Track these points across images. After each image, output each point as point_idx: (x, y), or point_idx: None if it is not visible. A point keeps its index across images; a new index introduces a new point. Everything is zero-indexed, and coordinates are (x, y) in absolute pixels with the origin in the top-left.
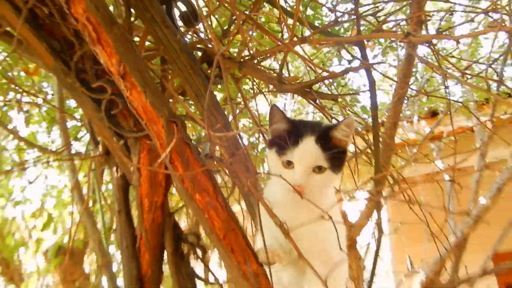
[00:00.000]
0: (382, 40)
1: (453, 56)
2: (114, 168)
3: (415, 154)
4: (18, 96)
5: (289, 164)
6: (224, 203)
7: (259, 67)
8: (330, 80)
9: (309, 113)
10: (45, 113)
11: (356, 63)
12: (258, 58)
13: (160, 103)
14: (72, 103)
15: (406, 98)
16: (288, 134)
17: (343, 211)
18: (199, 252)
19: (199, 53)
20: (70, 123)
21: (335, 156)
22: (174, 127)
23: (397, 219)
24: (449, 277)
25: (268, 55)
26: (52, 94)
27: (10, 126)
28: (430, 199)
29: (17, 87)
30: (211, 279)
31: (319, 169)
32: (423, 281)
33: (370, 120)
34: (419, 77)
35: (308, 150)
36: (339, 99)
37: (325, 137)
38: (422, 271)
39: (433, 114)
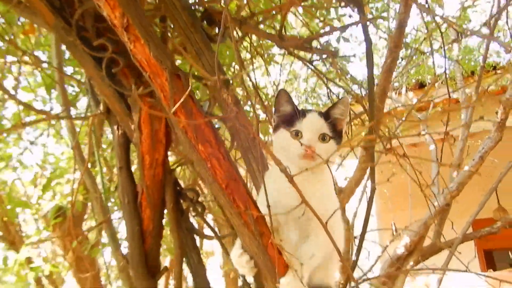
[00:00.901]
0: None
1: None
2: (115, 127)
3: (402, 123)
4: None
5: (297, 134)
6: (226, 154)
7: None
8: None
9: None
10: (44, 75)
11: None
12: (258, 19)
13: (164, 56)
14: (69, 70)
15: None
16: (295, 112)
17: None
18: (198, 208)
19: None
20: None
21: (335, 130)
22: (177, 80)
23: (383, 187)
24: (432, 241)
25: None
26: (49, 62)
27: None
28: (416, 167)
29: (16, 49)
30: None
31: (323, 139)
32: (407, 244)
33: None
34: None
35: (314, 121)
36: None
37: (326, 114)
38: (406, 235)
39: (421, 85)
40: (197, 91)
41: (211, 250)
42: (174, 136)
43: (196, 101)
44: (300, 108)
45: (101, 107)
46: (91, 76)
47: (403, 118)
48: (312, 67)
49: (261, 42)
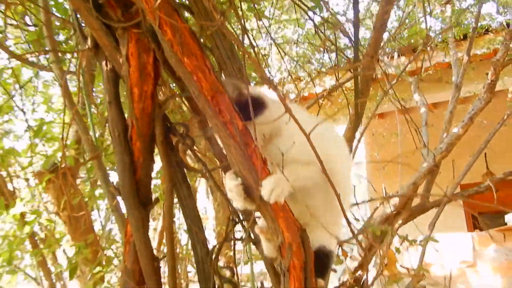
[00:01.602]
0: None
1: None
2: (104, 62)
3: (393, 85)
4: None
5: None
6: (211, 67)
7: None
8: None
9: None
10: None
11: None
12: None
13: None
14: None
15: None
16: None
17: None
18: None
19: None
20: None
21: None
22: None
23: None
24: (420, 200)
25: None
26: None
27: None
28: (407, 131)
29: None
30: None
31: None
32: (397, 204)
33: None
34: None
35: None
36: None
37: None
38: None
39: (413, 50)
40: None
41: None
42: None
43: (182, 15)
44: None
45: (89, 42)
46: (78, 8)
47: (394, 81)
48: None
49: None
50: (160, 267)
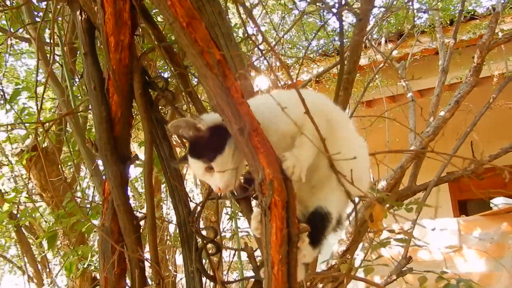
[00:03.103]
0: None
1: None
2: (78, 12)
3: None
4: None
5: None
6: None
7: None
8: None
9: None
10: None
11: None
12: None
13: None
14: None
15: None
16: None
17: None
18: (168, 95)
19: None
20: None
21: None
22: None
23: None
24: (408, 184)
25: None
26: None
27: None
28: (394, 116)
29: None
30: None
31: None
32: (384, 187)
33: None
34: None
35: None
36: None
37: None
38: (384, 181)
39: (400, 36)
40: None
41: None
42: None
43: None
44: None
45: None
46: None
47: (381, 65)
48: None
49: None
50: (140, 226)
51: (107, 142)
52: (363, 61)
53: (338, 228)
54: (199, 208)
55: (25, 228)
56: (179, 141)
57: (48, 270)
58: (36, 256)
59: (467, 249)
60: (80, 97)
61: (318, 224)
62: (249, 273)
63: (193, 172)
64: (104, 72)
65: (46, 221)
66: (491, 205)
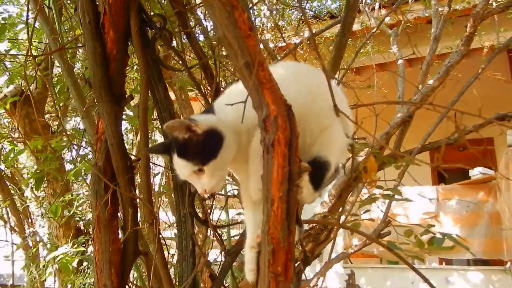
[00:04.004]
0: None
1: None
2: None
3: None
4: None
5: None
6: None
7: None
8: None
9: None
10: None
11: None
12: None
13: None
14: None
15: None
16: None
17: None
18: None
19: None
20: None
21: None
22: None
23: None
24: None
25: None
26: None
27: None
28: (382, 85)
29: None
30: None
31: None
32: (369, 151)
33: None
34: None
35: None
36: None
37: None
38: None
39: (394, 2)
40: None
41: None
42: None
43: None
44: None
45: None
46: None
47: (373, 30)
48: None
49: None
50: (133, 167)
51: (102, 79)
52: (356, 26)
53: (336, 176)
54: None
55: (6, 178)
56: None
57: (30, 220)
58: (18, 207)
59: (443, 216)
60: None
61: (317, 171)
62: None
63: (176, 172)
64: (99, 6)
65: (27, 172)
66: (470, 174)
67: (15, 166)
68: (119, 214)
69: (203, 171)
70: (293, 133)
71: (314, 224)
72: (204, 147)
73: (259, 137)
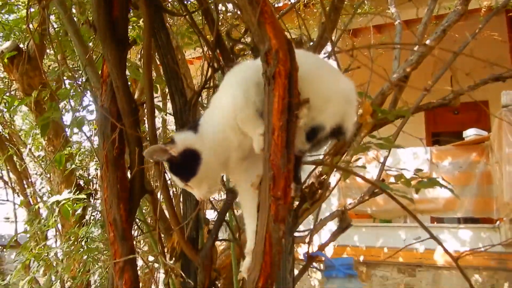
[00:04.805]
0: None
1: None
2: None
3: None
4: None
5: None
6: None
7: None
8: None
9: None
10: None
11: None
12: None
13: None
14: None
15: None
16: None
17: None
18: None
19: None
20: None
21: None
22: None
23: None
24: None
25: None
26: None
27: None
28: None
29: None
30: None
31: None
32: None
33: None
34: None
35: None
36: None
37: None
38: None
39: None
40: None
41: None
42: None
43: None
44: None
45: None
46: None
47: None
48: None
49: None
50: (138, 109)
51: (106, 21)
52: None
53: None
54: (195, 97)
55: (5, 139)
56: None
57: (30, 180)
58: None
59: (435, 176)
60: None
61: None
62: None
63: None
64: None
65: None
66: (464, 135)
67: (12, 127)
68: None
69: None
70: (293, 66)
71: (311, 182)
72: (183, 167)
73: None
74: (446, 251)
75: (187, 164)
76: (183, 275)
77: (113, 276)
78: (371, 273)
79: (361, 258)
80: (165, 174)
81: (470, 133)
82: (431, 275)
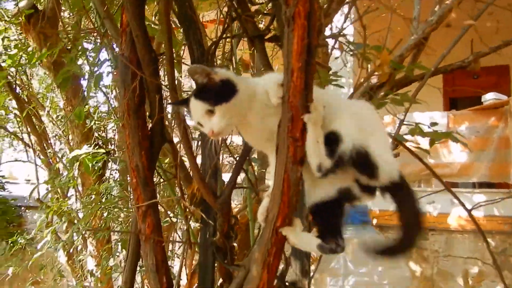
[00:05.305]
0: None
1: None
2: None
3: None
4: None
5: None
6: None
7: None
8: None
9: None
10: None
11: None
12: None
13: None
14: None
15: None
16: None
17: None
18: None
19: None
20: None
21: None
22: None
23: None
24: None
25: None
26: None
27: None
28: (398, 7)
29: None
30: None
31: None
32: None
33: None
34: None
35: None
36: None
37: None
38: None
39: None
40: None
41: None
42: None
43: None
44: None
45: None
46: None
47: None
48: None
49: None
50: (157, 59)
51: None
52: None
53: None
54: (213, 47)
55: (23, 102)
56: None
57: (49, 142)
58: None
59: (452, 141)
60: None
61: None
62: None
63: (191, 114)
64: None
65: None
66: (482, 99)
67: (30, 90)
68: None
69: (214, 113)
70: (312, 7)
71: None
72: (218, 92)
73: None
74: (466, 209)
75: (222, 91)
76: (205, 217)
77: (136, 220)
78: (385, 236)
79: (374, 221)
80: (185, 122)
81: (489, 97)
82: (444, 239)
